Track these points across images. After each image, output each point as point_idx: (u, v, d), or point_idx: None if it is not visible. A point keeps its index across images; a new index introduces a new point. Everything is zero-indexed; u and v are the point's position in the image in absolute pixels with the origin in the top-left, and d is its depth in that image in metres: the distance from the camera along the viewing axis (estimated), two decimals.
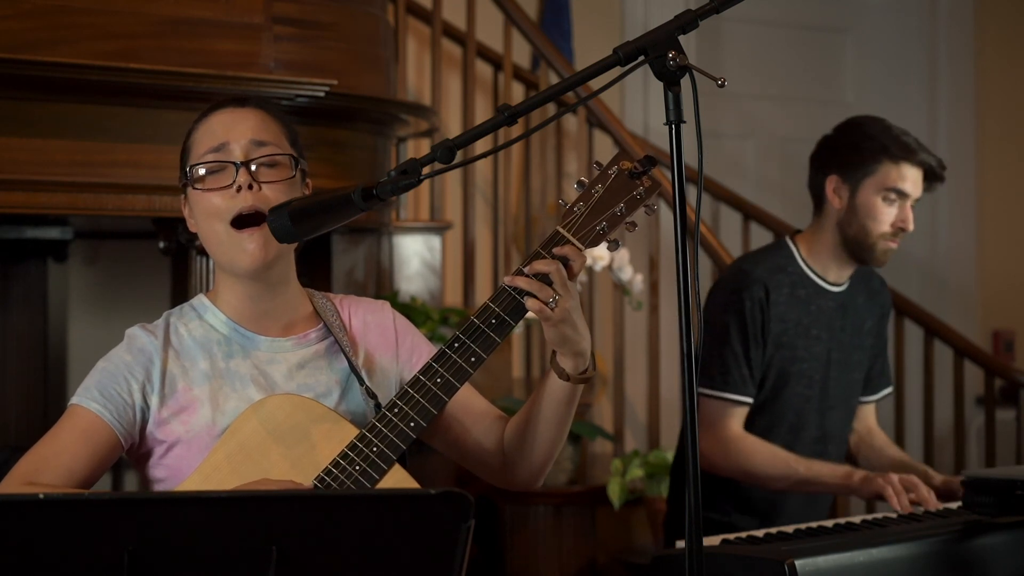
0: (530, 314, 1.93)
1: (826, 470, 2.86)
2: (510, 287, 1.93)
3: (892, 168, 2.92)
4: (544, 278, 1.91)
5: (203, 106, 2.10)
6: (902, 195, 2.93)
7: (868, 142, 2.94)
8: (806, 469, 2.86)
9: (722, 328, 2.92)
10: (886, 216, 2.94)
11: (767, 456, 2.88)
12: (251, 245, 1.97)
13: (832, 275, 3.03)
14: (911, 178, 2.94)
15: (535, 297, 1.90)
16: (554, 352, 1.98)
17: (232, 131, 2.01)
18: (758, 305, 2.92)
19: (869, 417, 3.20)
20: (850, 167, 2.95)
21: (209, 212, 2.00)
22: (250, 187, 1.97)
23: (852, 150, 2.96)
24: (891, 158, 2.92)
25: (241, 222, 1.98)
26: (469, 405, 2.09)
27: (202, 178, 2.00)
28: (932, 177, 2.98)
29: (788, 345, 2.96)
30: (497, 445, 2.09)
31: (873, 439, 3.17)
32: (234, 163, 1.99)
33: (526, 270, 1.92)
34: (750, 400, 2.94)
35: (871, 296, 3.12)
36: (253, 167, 1.99)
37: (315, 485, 1.88)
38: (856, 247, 2.97)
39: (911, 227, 2.96)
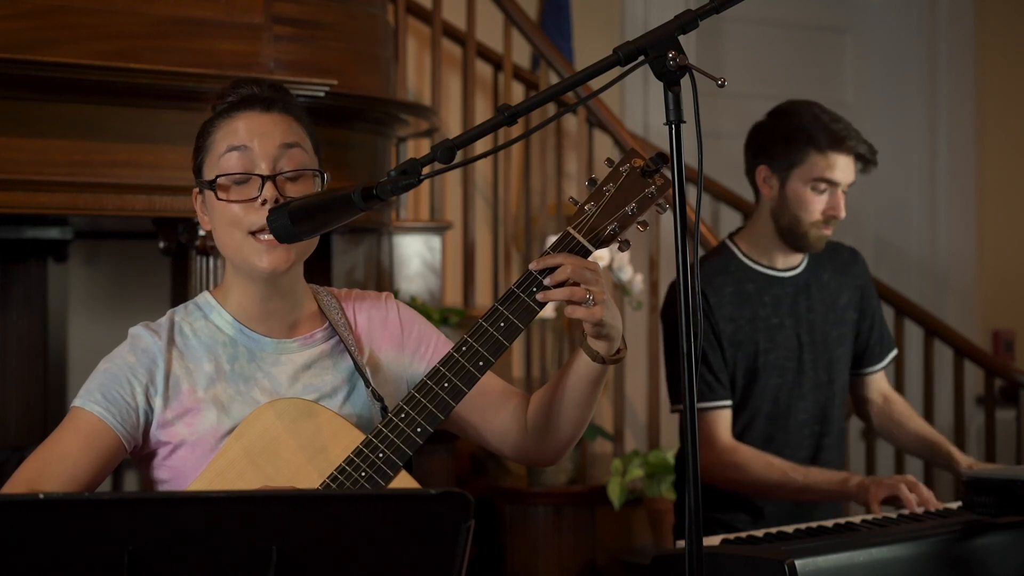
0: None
1: (823, 477, 2.86)
2: (539, 301, 1.92)
3: (820, 158, 2.91)
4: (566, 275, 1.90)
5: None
6: (831, 184, 2.93)
7: (796, 132, 2.93)
8: (803, 477, 2.85)
9: (673, 345, 2.92)
10: (816, 205, 2.93)
11: (763, 467, 2.87)
12: (271, 253, 1.95)
13: (780, 262, 3.03)
14: (840, 166, 2.92)
15: (574, 303, 1.89)
16: (583, 334, 1.97)
17: (257, 138, 1.97)
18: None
19: (882, 384, 3.17)
20: (778, 158, 2.96)
21: (231, 221, 1.97)
22: (276, 201, 1.94)
23: (780, 140, 2.96)
24: (818, 148, 2.91)
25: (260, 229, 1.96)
26: (488, 392, 2.07)
27: (226, 188, 1.97)
28: (864, 161, 2.97)
29: (747, 341, 2.96)
30: (520, 425, 2.08)
31: (892, 409, 3.13)
32: (260, 176, 1.96)
33: (532, 265, 1.91)
34: (724, 403, 2.93)
35: (840, 270, 3.10)
36: (278, 180, 1.97)
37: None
38: (790, 235, 2.98)
39: (842, 214, 2.95)
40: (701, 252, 3.55)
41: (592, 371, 1.98)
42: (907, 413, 3.14)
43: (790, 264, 3.04)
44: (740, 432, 2.96)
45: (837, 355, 3.07)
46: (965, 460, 2.90)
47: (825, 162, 2.91)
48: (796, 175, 2.94)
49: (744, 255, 3.03)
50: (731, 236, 3.10)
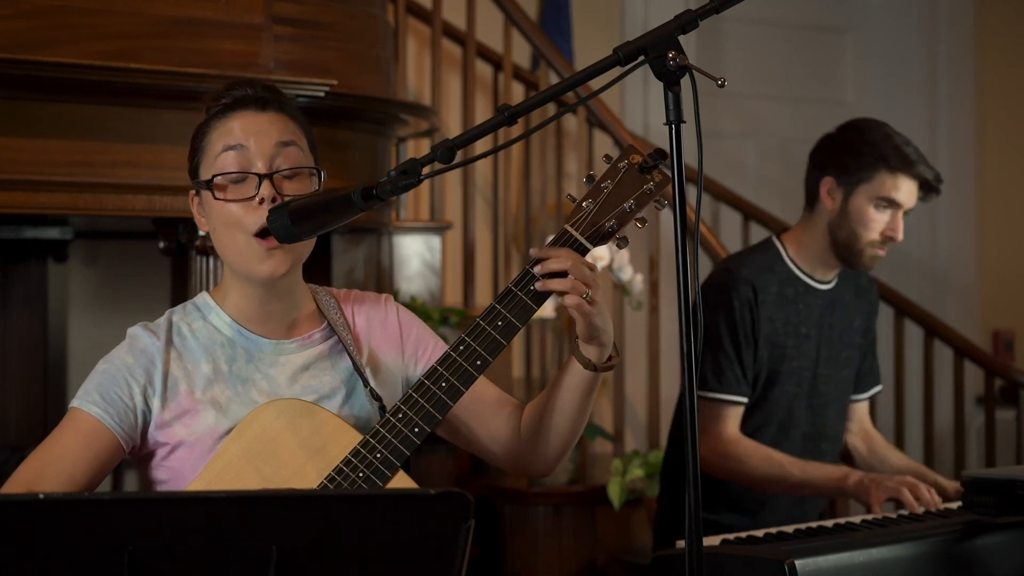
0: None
1: (821, 473, 2.86)
2: (537, 300, 1.90)
3: (888, 178, 2.93)
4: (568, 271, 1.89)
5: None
6: (895, 205, 2.94)
7: (867, 148, 2.94)
8: (801, 472, 2.86)
9: (713, 329, 2.92)
10: (877, 224, 2.94)
11: (763, 459, 2.88)
12: (271, 258, 1.94)
13: (819, 273, 3.05)
14: (906, 189, 2.94)
15: (570, 293, 1.88)
16: (575, 342, 1.97)
17: (253, 137, 1.97)
18: (747, 305, 2.94)
19: (863, 418, 3.20)
20: (846, 171, 2.96)
21: (229, 221, 1.96)
22: (273, 200, 1.94)
23: (851, 154, 2.96)
24: (888, 168, 2.92)
25: (263, 231, 1.95)
26: (481, 397, 2.07)
27: (223, 187, 1.96)
28: (927, 188, 2.98)
29: (778, 344, 2.98)
30: (513, 435, 2.08)
31: (873, 444, 3.17)
32: (257, 175, 1.95)
33: (537, 270, 1.90)
34: (745, 400, 2.95)
35: (859, 294, 3.13)
36: (275, 179, 1.96)
37: None
38: (844, 251, 2.98)
39: (900, 237, 2.96)
40: (702, 253, 3.55)
41: (584, 379, 1.98)
42: (888, 447, 3.19)
43: (826, 278, 3.06)
44: (750, 435, 2.97)
45: (843, 376, 3.09)
46: (952, 485, 2.91)
47: (893, 182, 2.93)
48: (862, 191, 2.94)
49: (790, 258, 3.03)
50: (779, 235, 3.10)
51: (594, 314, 1.90)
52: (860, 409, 3.20)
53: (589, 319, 1.90)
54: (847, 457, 3.23)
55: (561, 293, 1.89)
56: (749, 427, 2.97)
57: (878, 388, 3.22)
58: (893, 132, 2.98)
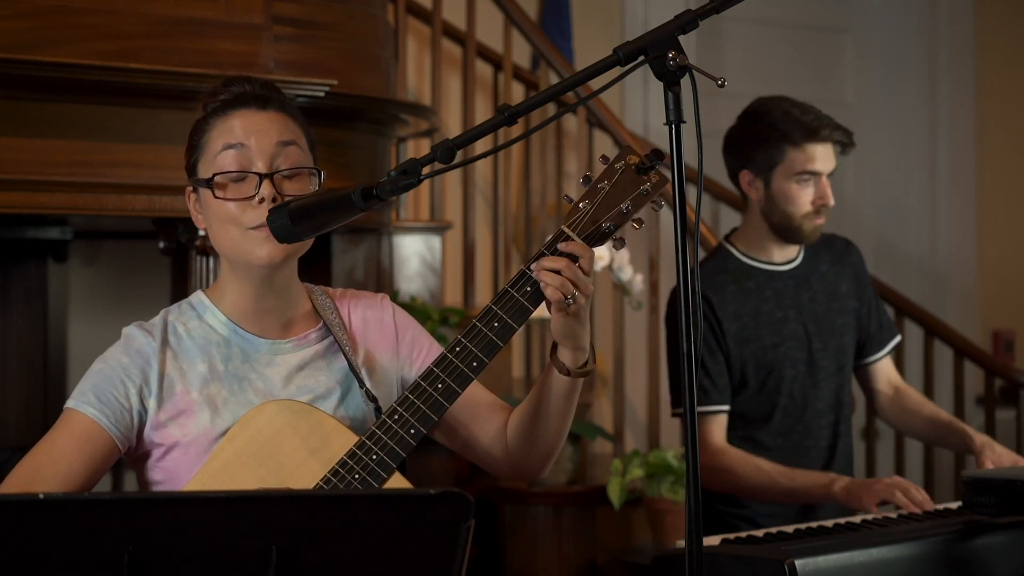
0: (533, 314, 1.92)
1: (809, 480, 2.86)
2: (533, 301, 1.90)
3: (797, 153, 2.93)
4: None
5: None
6: (815, 174, 2.95)
7: (768, 131, 2.95)
8: (788, 480, 2.86)
9: (674, 347, 2.93)
10: (804, 197, 2.95)
11: (751, 470, 2.88)
12: (267, 245, 1.94)
13: (778, 256, 3.05)
14: (820, 156, 2.94)
15: (556, 289, 1.87)
16: (554, 348, 1.97)
17: (253, 136, 1.96)
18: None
19: (890, 374, 3.18)
20: (757, 160, 2.98)
21: (227, 219, 1.95)
22: (273, 200, 1.93)
23: (755, 142, 2.97)
24: (793, 144, 2.93)
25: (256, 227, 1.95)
26: (476, 401, 2.08)
27: (223, 186, 1.95)
28: (843, 145, 2.98)
29: (753, 338, 2.97)
30: (503, 439, 2.08)
31: (904, 400, 3.14)
32: (258, 174, 1.95)
33: (533, 267, 1.91)
34: (720, 407, 2.94)
35: (837, 260, 3.13)
36: (275, 178, 1.95)
37: None
38: (783, 231, 3.00)
39: (831, 201, 2.97)
40: (701, 253, 3.55)
41: (562, 385, 1.98)
42: (919, 400, 3.14)
43: (787, 257, 3.06)
44: (759, 428, 2.97)
45: (844, 343, 3.08)
46: (979, 437, 2.89)
47: (804, 156, 2.94)
48: (778, 173, 2.96)
49: (742, 253, 3.05)
50: (727, 237, 3.12)
51: (571, 315, 1.90)
52: (883, 367, 3.18)
53: (564, 317, 1.90)
54: (868, 429, 3.21)
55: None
56: (757, 423, 2.97)
57: (896, 340, 3.20)
58: (791, 105, 2.97)
